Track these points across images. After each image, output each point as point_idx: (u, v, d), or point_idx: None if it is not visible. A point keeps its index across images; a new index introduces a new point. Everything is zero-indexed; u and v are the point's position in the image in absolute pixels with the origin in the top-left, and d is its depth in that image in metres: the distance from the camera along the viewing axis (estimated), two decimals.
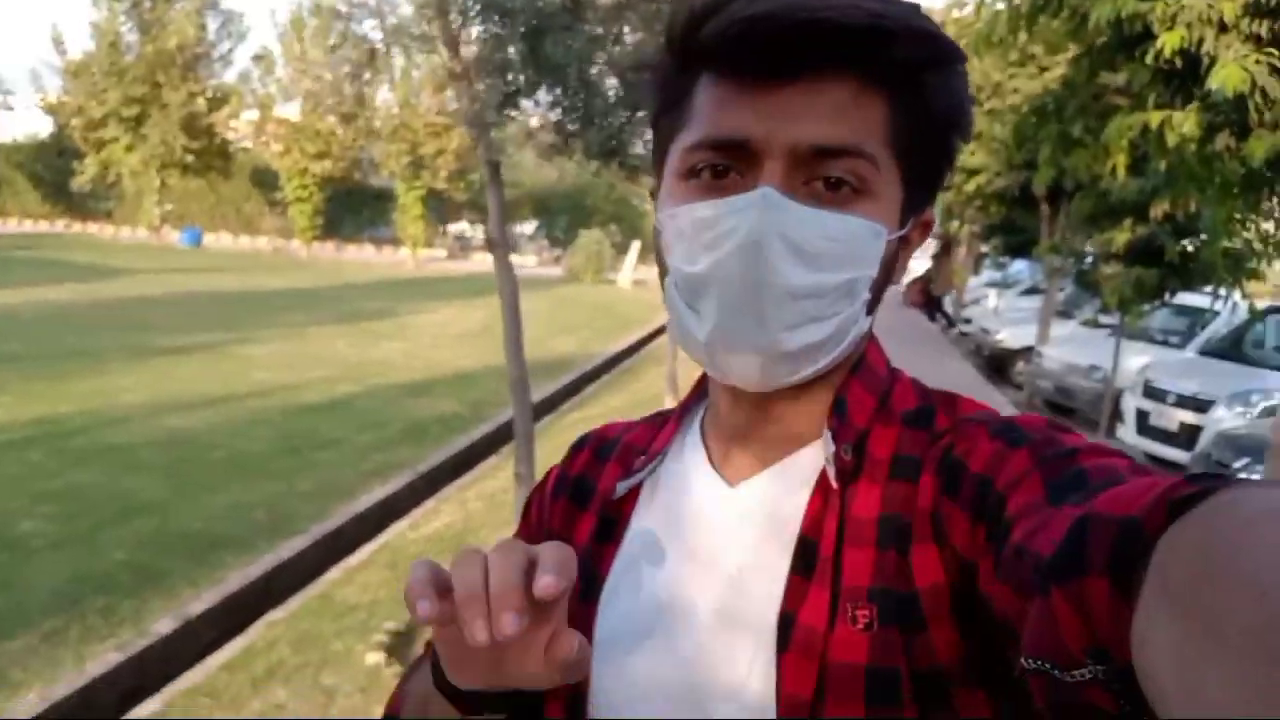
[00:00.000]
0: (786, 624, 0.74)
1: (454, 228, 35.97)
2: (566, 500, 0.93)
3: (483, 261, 30.84)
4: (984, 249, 17.19)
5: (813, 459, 0.80)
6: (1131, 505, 0.48)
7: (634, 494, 0.88)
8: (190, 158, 29.50)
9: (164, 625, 5.03)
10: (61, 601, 5.19)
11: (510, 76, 3.20)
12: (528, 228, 35.92)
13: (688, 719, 0.77)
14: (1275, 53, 4.45)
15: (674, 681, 0.79)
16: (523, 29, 3.04)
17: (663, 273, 0.81)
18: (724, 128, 0.74)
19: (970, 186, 13.28)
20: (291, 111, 28.32)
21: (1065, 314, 13.72)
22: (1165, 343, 11.43)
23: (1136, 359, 10.23)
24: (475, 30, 3.43)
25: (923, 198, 0.81)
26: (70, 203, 34.32)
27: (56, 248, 25.93)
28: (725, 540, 0.81)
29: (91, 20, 28.58)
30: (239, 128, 31.34)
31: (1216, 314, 10.38)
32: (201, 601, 5.36)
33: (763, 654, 0.74)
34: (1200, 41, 4.56)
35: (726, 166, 0.75)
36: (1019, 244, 14.74)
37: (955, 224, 17.97)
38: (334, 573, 6.07)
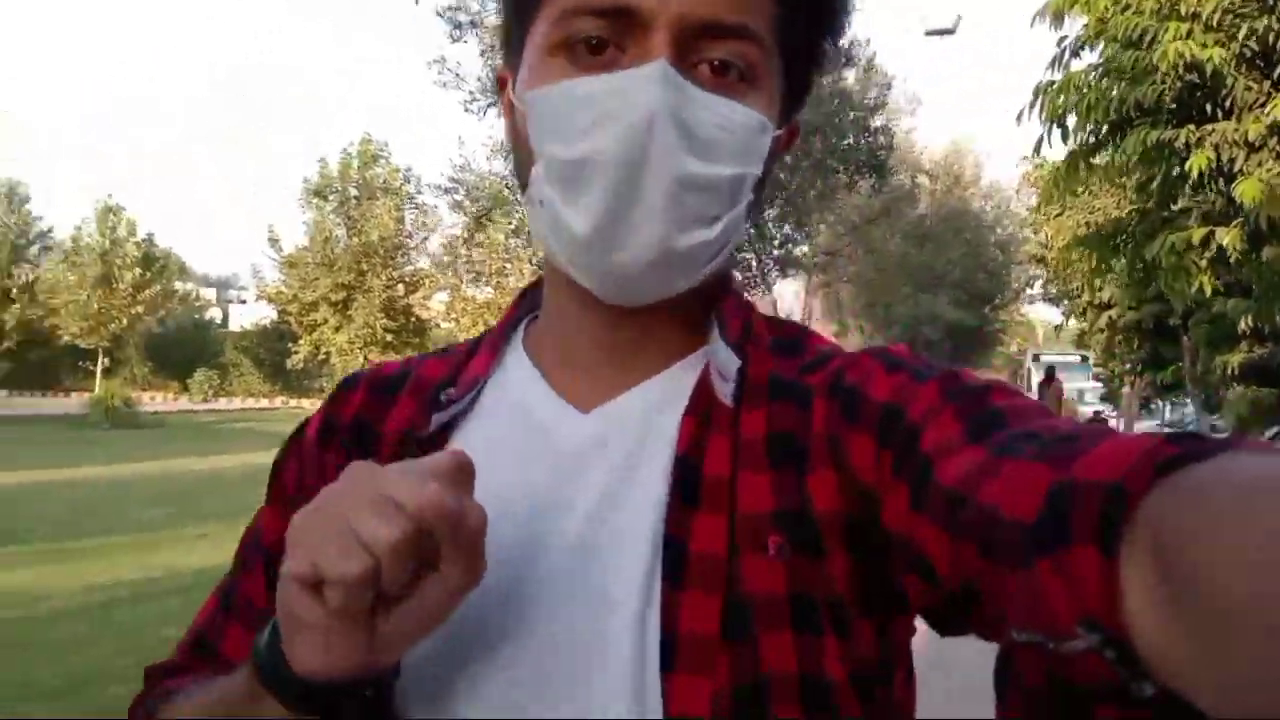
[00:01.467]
0: (676, 556, 0.65)
1: None
2: (342, 447, 0.78)
3: None
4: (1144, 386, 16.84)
5: (678, 379, 0.73)
6: (1114, 469, 0.46)
7: (442, 434, 0.75)
8: (390, 336, 32.24)
9: None
10: None
11: None
12: None
13: (547, 677, 0.66)
14: None
15: (516, 626, 0.67)
16: None
17: (527, 163, 0.71)
18: None
19: (1103, 321, 13.30)
20: (480, 292, 30.76)
21: None
22: None
23: None
24: None
25: (796, 99, 0.75)
26: (287, 381, 37.80)
27: (271, 421, 28.58)
28: (580, 470, 0.70)
29: (304, 220, 32.31)
30: (433, 307, 34.14)
31: None
32: None
33: (635, 588, 0.65)
34: (1232, 161, 4.92)
35: (604, 40, 0.66)
36: (1166, 380, 14.46)
37: (1115, 362, 17.73)
38: None
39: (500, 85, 0.77)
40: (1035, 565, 0.47)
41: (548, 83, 0.68)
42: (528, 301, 0.84)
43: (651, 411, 0.72)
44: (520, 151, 0.73)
